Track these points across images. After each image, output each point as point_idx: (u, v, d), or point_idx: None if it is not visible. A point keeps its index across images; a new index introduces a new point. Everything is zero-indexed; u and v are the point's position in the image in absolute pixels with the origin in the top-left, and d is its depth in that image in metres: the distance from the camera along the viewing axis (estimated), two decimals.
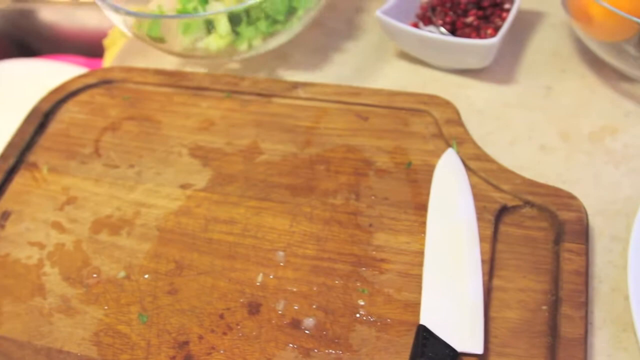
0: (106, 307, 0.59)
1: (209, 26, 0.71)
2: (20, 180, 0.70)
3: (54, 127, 0.75)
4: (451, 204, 0.60)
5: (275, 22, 0.72)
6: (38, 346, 0.57)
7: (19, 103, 0.78)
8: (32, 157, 0.72)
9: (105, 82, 0.78)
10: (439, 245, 0.58)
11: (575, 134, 0.68)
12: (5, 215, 0.68)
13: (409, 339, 0.53)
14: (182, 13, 0.76)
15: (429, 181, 0.63)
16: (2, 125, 0.76)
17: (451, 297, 0.54)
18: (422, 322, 0.53)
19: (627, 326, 0.54)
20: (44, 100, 0.77)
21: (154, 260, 0.62)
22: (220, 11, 0.69)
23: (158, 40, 0.73)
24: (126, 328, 0.57)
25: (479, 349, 0.51)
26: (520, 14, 0.78)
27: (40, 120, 0.75)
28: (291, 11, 0.72)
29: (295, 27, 0.74)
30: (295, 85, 0.73)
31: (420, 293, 0.55)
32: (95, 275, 0.61)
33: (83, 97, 0.78)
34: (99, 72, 0.79)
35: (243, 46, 0.74)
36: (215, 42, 0.73)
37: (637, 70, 0.68)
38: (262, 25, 0.72)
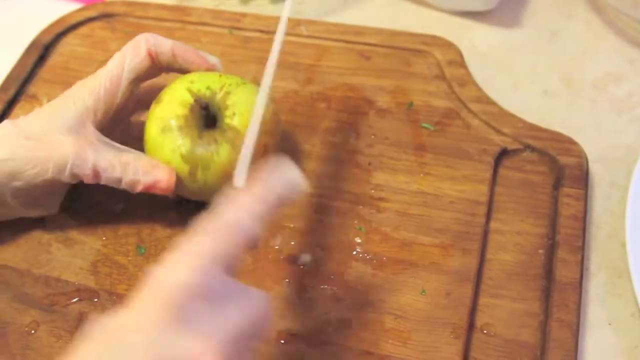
0: (104, 238, 0.59)
1: None
2: (20, 112, 0.69)
3: (54, 59, 0.74)
4: None
5: None
6: (37, 274, 0.58)
7: (20, 37, 0.77)
8: (32, 89, 0.72)
9: (106, 16, 0.77)
10: None
11: (578, 80, 0.67)
12: None
13: (404, 277, 0.53)
14: None
15: (429, 122, 0.62)
16: (3, 59, 0.75)
17: None
18: None
19: (622, 273, 0.55)
20: (44, 32, 0.76)
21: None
22: None
23: None
24: (124, 259, 0.58)
25: None
26: None
27: (41, 52, 0.74)
28: None
29: None
30: (298, 22, 0.72)
31: (416, 233, 0.56)
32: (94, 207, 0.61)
33: (83, 30, 0.77)
34: (100, 5, 0.78)
35: None
36: None
37: None
38: None
